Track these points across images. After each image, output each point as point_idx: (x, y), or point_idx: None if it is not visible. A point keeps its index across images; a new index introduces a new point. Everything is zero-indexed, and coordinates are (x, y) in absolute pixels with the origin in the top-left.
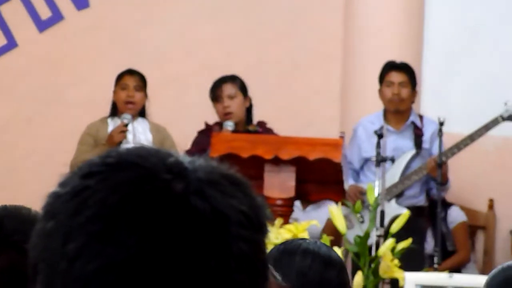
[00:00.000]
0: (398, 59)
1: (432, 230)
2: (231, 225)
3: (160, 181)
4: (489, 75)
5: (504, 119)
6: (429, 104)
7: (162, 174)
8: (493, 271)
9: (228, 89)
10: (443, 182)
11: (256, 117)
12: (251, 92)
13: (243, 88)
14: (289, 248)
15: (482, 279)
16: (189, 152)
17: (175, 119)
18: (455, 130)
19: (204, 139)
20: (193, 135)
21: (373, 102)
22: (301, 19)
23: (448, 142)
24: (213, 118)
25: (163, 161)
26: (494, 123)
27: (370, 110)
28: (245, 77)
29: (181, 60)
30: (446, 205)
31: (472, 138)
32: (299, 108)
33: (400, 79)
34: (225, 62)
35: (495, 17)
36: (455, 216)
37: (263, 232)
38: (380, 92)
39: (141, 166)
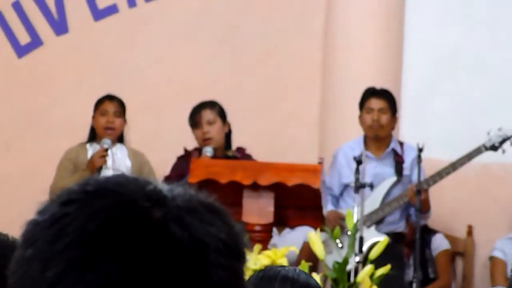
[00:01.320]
0: (377, 84)
1: (414, 257)
2: (210, 253)
3: (139, 208)
4: (468, 101)
5: (487, 148)
6: (408, 130)
7: (141, 201)
8: None
9: (207, 115)
10: (425, 209)
11: (235, 142)
12: (229, 117)
13: (222, 114)
14: (268, 275)
15: None
16: (168, 178)
17: (154, 145)
18: (435, 156)
19: (183, 164)
20: (172, 160)
21: (352, 128)
22: (279, 45)
23: (428, 168)
24: (192, 144)
25: (142, 188)
26: (477, 152)
27: (349, 136)
28: (223, 103)
29: (160, 85)
30: (430, 232)
31: (454, 166)
32: (278, 133)
33: (379, 106)
34: (204, 87)
35: (474, 42)
36: (439, 243)
37: (242, 260)
38: (360, 118)
39: (120, 193)
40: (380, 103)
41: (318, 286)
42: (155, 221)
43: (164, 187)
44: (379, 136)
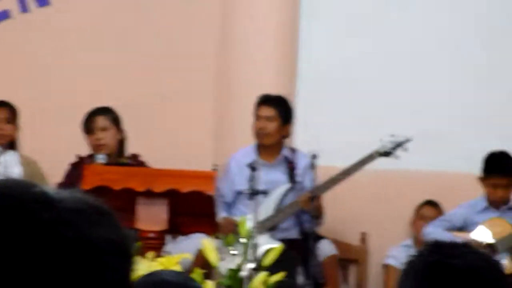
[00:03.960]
0: (272, 92)
1: (303, 263)
2: (100, 254)
3: (27, 210)
4: (361, 109)
5: (380, 154)
6: (303, 137)
7: (29, 203)
8: None
9: (101, 121)
10: (318, 215)
11: (130, 150)
12: (124, 124)
13: (116, 121)
14: (153, 282)
15: None
16: (61, 185)
17: (48, 151)
18: (328, 163)
19: (76, 171)
20: (65, 167)
21: (247, 135)
22: (175, 53)
23: (321, 175)
24: (85, 151)
25: (29, 191)
26: (370, 158)
27: (243, 143)
28: (118, 109)
29: (54, 92)
30: (317, 238)
31: (347, 172)
32: (173, 141)
33: (267, 113)
34: (98, 94)
35: (366, 51)
36: (325, 249)
37: (131, 260)
38: (252, 125)
39: (7, 196)
40: (268, 111)
41: None
42: (44, 223)
43: (50, 190)
44: (265, 144)
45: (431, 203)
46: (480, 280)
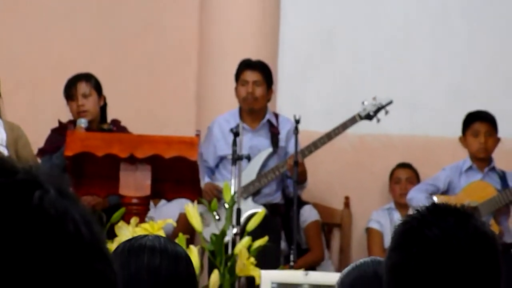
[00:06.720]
0: (255, 57)
1: (285, 228)
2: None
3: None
4: (344, 74)
5: (361, 117)
6: (285, 103)
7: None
8: (347, 269)
9: (83, 87)
10: (301, 180)
11: (111, 116)
12: (106, 93)
13: (97, 87)
14: (135, 248)
15: (337, 277)
16: (42, 150)
17: (31, 119)
18: (311, 128)
19: (57, 137)
20: (47, 133)
21: (229, 101)
22: (156, 20)
23: (304, 140)
24: (67, 118)
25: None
26: (351, 121)
27: (226, 109)
28: (100, 78)
29: (36, 60)
30: (300, 203)
31: (329, 136)
32: (155, 108)
33: (254, 78)
34: (80, 63)
35: (350, 18)
36: (308, 215)
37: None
38: (236, 90)
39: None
40: (255, 75)
41: (185, 252)
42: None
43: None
44: (254, 108)
45: (403, 165)
46: (455, 250)
